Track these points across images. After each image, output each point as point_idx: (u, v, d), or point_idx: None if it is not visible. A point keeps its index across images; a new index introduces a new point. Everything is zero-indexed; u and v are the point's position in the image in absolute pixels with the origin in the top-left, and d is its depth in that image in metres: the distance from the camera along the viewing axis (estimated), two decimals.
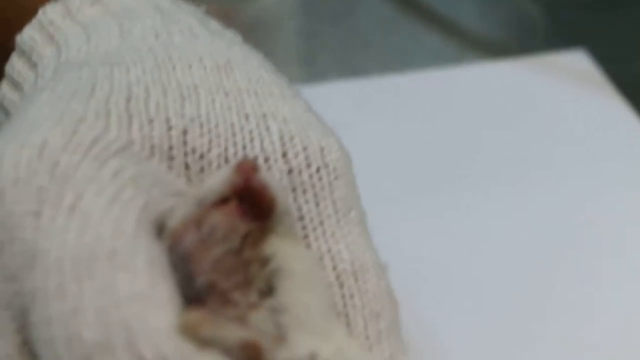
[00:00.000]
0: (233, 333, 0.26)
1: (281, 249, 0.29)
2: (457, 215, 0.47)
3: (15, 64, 0.36)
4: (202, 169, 0.31)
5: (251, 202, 0.29)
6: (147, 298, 0.26)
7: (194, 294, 0.28)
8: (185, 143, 0.31)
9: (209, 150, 0.31)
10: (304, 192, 0.31)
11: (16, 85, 0.36)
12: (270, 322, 0.27)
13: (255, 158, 0.31)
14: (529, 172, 0.50)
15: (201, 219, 0.28)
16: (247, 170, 0.29)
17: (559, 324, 0.42)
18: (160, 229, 0.28)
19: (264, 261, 0.28)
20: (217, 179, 0.29)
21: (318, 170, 0.32)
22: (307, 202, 0.31)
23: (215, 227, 0.28)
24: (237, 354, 0.26)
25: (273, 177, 0.30)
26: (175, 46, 0.34)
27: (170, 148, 0.31)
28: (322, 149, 0.32)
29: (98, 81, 0.32)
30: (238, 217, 0.28)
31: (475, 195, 0.48)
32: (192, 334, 0.26)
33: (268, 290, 0.28)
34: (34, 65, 0.35)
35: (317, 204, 0.31)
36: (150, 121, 0.31)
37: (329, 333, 0.28)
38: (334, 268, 0.30)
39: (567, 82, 0.55)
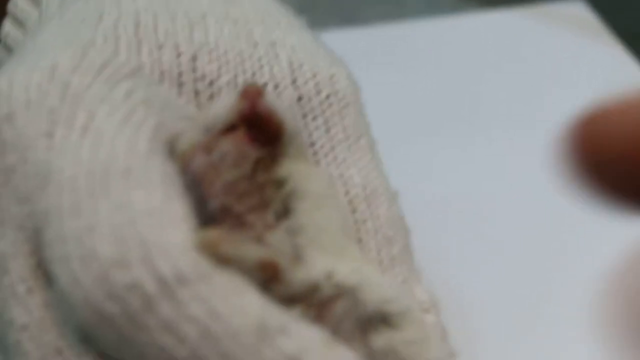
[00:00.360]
0: (251, 252, 0.26)
1: (295, 170, 0.28)
2: (455, 157, 0.48)
3: (18, 2, 0.35)
4: (211, 96, 0.30)
5: (259, 128, 0.28)
6: (162, 214, 0.26)
7: (207, 217, 0.27)
8: (194, 69, 0.31)
9: (219, 77, 0.31)
10: (314, 118, 0.31)
11: (19, 23, 0.36)
12: (288, 242, 0.27)
13: (265, 85, 0.31)
14: (528, 119, 0.50)
15: (210, 146, 0.28)
16: (252, 95, 0.28)
17: (561, 256, 0.43)
18: (171, 151, 0.28)
19: (279, 183, 0.28)
20: (223, 106, 0.28)
21: (328, 97, 0.31)
22: (317, 128, 0.31)
23: (225, 154, 0.28)
24: (255, 273, 0.26)
25: (279, 101, 0.29)
26: None
27: (180, 74, 0.30)
28: (331, 77, 0.32)
29: (105, 9, 0.31)
30: (247, 144, 0.28)
31: (471, 142, 0.48)
32: (210, 251, 0.26)
33: (284, 212, 0.28)
34: (37, 3, 0.35)
35: (328, 130, 0.31)
36: (160, 47, 0.30)
37: (345, 252, 0.28)
38: (346, 193, 0.30)
39: (566, 30, 0.55)
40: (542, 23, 0.56)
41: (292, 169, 0.28)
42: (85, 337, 0.26)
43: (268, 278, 0.26)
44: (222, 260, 0.26)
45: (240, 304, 0.25)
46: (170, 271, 0.25)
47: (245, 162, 0.28)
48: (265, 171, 0.28)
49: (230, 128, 0.28)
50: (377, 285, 0.27)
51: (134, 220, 0.25)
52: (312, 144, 0.31)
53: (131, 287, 0.25)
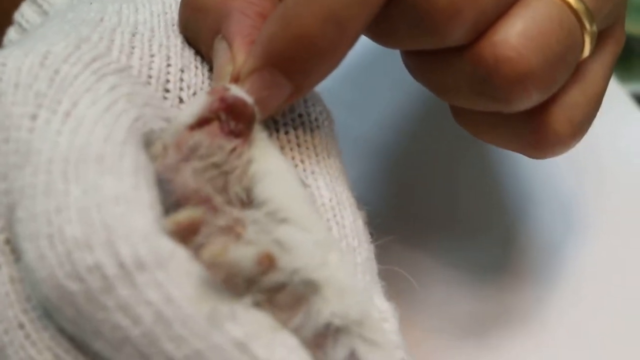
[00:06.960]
0: (243, 252, 0.27)
1: (261, 151, 0.30)
2: None
3: (25, 12, 0.37)
4: None
5: (234, 117, 0.29)
6: (129, 200, 0.27)
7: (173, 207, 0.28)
8: (182, 80, 0.32)
9: (202, 90, 0.32)
10: (287, 133, 0.33)
11: (23, 31, 0.37)
12: (264, 233, 0.28)
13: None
14: None
15: (181, 142, 0.29)
16: (219, 90, 0.30)
17: None
18: (148, 145, 0.29)
19: (245, 166, 0.29)
20: (193, 104, 0.30)
21: (300, 116, 0.33)
22: (289, 142, 0.32)
23: (197, 145, 0.29)
24: (253, 269, 0.27)
25: (242, 92, 0.30)
26: None
27: (167, 81, 0.32)
28: (305, 101, 0.33)
29: (107, 14, 0.33)
30: (222, 136, 0.29)
31: None
32: (211, 266, 0.27)
33: (247, 194, 0.29)
34: (44, 13, 0.36)
35: (299, 145, 0.32)
36: (152, 55, 0.32)
37: (312, 225, 0.29)
38: (314, 202, 0.31)
39: None
40: None
41: (259, 151, 0.30)
42: (46, 313, 0.27)
43: (264, 270, 0.27)
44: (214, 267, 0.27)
45: (194, 290, 0.26)
46: (130, 256, 0.26)
47: (220, 152, 0.29)
48: (239, 157, 0.29)
49: (201, 123, 0.29)
50: (339, 289, 0.28)
51: (101, 204, 0.26)
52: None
53: (93, 268, 0.26)
